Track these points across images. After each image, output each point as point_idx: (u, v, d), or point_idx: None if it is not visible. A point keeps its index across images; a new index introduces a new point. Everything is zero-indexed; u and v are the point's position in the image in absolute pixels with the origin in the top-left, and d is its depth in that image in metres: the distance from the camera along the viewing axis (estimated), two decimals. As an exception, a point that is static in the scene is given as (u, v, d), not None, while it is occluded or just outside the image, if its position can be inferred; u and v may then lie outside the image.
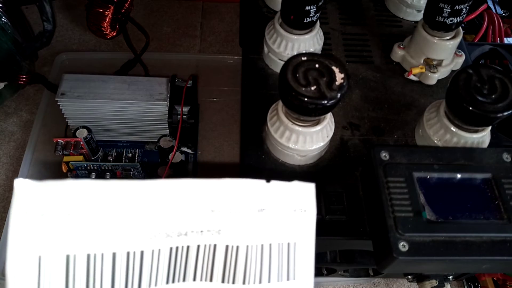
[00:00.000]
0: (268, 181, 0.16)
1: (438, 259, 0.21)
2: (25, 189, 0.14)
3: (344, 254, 0.30)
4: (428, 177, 0.23)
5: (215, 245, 0.16)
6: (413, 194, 0.22)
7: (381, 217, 0.22)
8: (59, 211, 0.14)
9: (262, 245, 0.16)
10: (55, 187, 0.14)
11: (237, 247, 0.16)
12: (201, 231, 0.16)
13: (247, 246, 0.16)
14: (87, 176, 0.37)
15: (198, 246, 0.16)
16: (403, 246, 0.20)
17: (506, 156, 0.24)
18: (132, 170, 0.37)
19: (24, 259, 0.14)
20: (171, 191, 0.15)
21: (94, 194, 0.14)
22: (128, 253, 0.15)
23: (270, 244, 0.16)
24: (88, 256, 0.14)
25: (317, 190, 0.25)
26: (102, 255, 0.14)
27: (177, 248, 0.15)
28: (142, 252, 0.15)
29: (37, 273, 0.14)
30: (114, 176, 0.37)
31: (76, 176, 0.37)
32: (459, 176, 0.23)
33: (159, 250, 0.15)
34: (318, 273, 0.33)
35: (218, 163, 0.40)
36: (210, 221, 0.16)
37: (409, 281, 0.33)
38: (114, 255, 0.15)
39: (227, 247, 0.16)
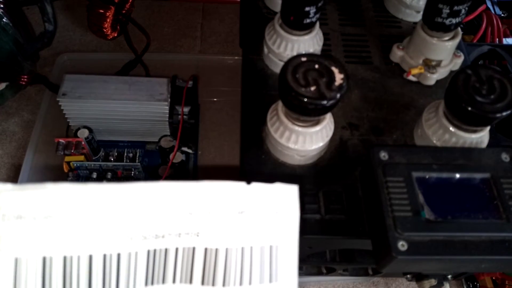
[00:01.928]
0: (248, 183, 0.16)
1: (437, 259, 0.21)
2: (3, 192, 0.14)
3: (344, 253, 0.30)
4: (427, 177, 0.23)
5: (193, 248, 0.16)
6: (412, 194, 0.22)
7: (380, 217, 0.22)
8: (36, 213, 0.14)
9: (242, 248, 0.16)
10: (33, 191, 0.14)
11: (216, 249, 0.16)
12: (179, 234, 0.16)
13: (227, 249, 0.16)
14: (89, 176, 0.37)
15: (177, 249, 0.16)
16: (402, 245, 0.21)
17: (504, 156, 0.24)
18: (133, 170, 0.37)
19: (0, 261, 0.14)
20: (148, 193, 0.15)
21: (72, 197, 0.15)
22: (104, 256, 0.15)
23: (251, 247, 0.16)
24: (65, 258, 0.14)
25: (316, 189, 0.26)
26: (79, 257, 0.14)
27: (154, 250, 0.15)
28: (119, 255, 0.15)
29: (13, 275, 0.14)
30: (115, 176, 0.37)
31: (78, 176, 0.37)
32: (458, 176, 0.23)
33: (136, 252, 0.15)
34: (318, 272, 0.33)
35: (219, 163, 0.40)
36: (188, 224, 0.16)
37: (408, 280, 0.33)
38: (90, 257, 0.15)
39: (206, 249, 0.16)
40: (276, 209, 0.17)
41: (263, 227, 0.16)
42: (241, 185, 0.16)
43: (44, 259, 0.14)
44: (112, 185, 0.15)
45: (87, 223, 0.15)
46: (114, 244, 0.15)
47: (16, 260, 0.14)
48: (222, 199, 0.16)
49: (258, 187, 0.17)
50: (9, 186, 0.14)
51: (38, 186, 0.14)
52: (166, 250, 0.16)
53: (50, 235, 0.14)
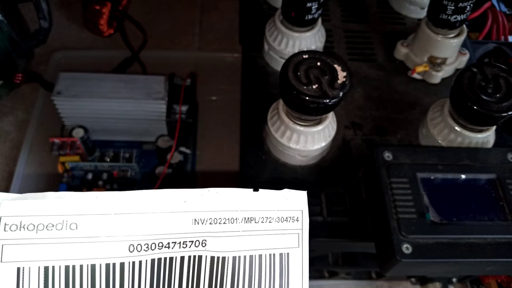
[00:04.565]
0: (255, 189, 0.16)
1: (442, 262, 0.21)
2: (4, 202, 0.14)
3: (346, 257, 0.29)
4: (432, 177, 0.23)
5: (200, 257, 0.15)
6: (417, 195, 0.22)
7: (384, 219, 0.21)
8: (38, 223, 0.14)
9: (251, 256, 0.16)
10: (35, 200, 0.14)
11: (224, 258, 0.16)
12: (184, 242, 0.15)
13: (234, 258, 0.16)
14: (84, 176, 0.36)
15: (182, 258, 0.15)
16: (406, 248, 0.20)
17: (510, 157, 0.24)
18: (129, 170, 0.37)
19: (2, 270, 0.14)
20: (152, 201, 0.15)
21: (74, 205, 0.14)
22: (107, 265, 0.15)
23: (260, 255, 0.16)
24: (67, 267, 0.14)
25: (318, 191, 0.25)
26: (81, 266, 0.14)
27: (159, 260, 0.15)
28: (122, 264, 0.15)
29: (15, 285, 0.14)
30: (111, 176, 0.37)
31: (73, 176, 0.37)
32: (463, 176, 0.23)
33: (140, 262, 0.15)
34: (320, 276, 0.32)
35: (217, 163, 0.40)
36: (193, 232, 0.15)
37: (412, 284, 0.33)
38: (93, 267, 0.14)
39: (212, 258, 0.16)
40: (285, 216, 0.16)
41: (272, 235, 0.16)
42: (248, 191, 0.16)
43: (46, 269, 0.14)
44: (115, 193, 0.15)
45: (90, 232, 0.14)
46: (117, 253, 0.15)
47: (18, 269, 0.14)
48: (228, 206, 0.16)
49: (265, 194, 0.16)
50: (10, 196, 0.14)
51: (39, 195, 0.14)
52: (171, 259, 0.15)
53: (52, 245, 0.14)
